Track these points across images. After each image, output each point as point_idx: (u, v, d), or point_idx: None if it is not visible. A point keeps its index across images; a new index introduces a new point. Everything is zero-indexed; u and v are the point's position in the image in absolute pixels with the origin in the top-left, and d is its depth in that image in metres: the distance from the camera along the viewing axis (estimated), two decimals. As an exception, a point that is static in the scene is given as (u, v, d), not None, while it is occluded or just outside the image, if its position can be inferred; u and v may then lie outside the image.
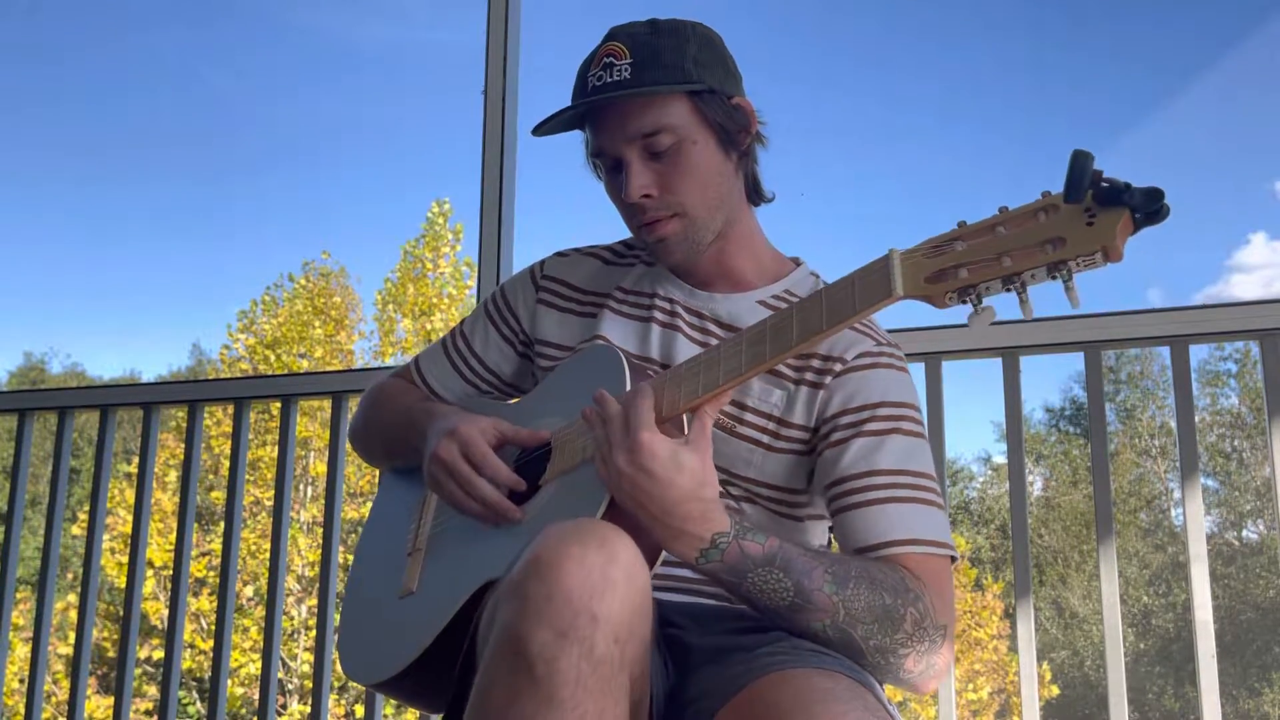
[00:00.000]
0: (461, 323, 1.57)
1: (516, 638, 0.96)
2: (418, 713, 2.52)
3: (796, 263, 1.46)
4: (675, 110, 1.31)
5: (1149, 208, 0.92)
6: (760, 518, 1.33)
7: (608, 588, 0.96)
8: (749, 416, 1.32)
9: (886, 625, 1.14)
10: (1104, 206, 0.93)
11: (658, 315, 1.41)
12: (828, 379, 1.31)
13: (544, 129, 1.36)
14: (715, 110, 1.32)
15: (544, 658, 0.94)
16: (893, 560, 1.21)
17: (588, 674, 0.94)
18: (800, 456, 1.33)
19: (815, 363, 1.32)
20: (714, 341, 1.36)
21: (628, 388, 1.22)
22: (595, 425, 1.15)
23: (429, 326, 15.42)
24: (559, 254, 1.54)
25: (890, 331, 1.43)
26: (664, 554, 1.15)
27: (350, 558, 1.58)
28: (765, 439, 1.32)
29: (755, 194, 1.42)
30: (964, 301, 1.01)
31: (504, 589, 1.01)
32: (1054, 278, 0.97)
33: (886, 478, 1.25)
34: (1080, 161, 0.94)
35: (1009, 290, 1.00)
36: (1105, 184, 0.93)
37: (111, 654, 14.36)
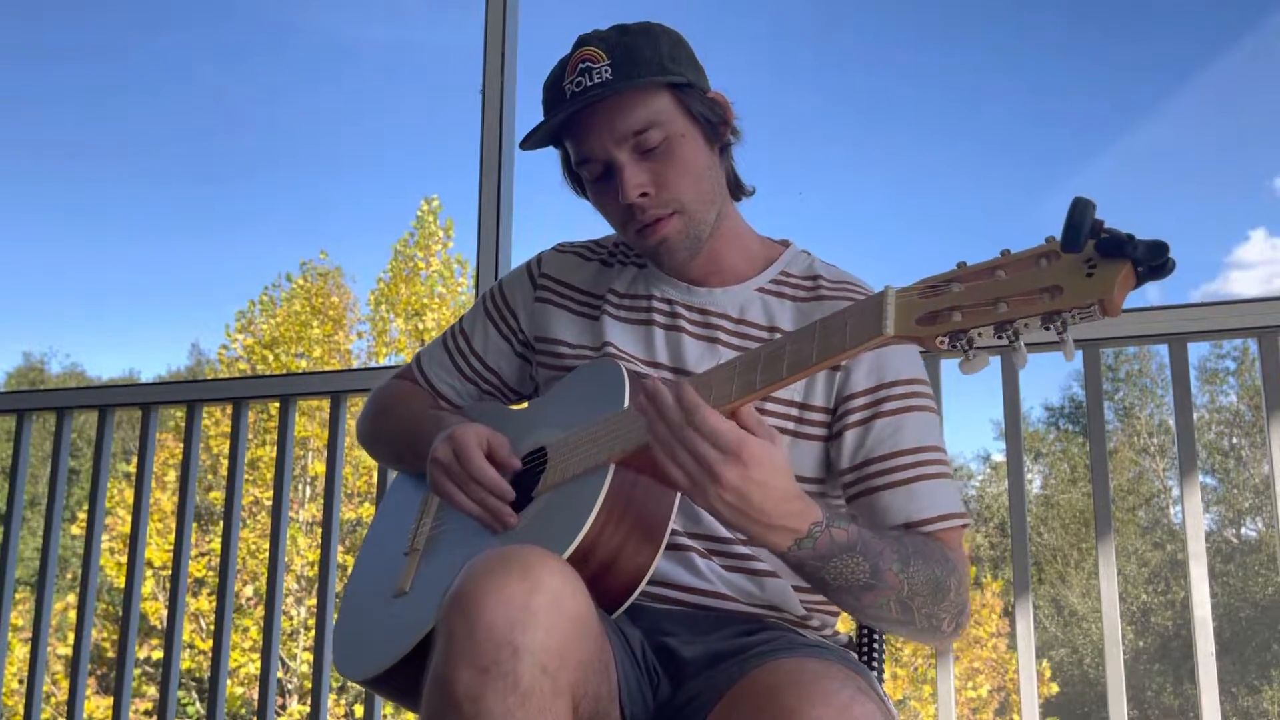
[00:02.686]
0: (461, 319, 1.57)
1: (442, 679, 0.97)
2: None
3: (785, 244, 1.46)
4: (661, 105, 1.31)
5: (1152, 261, 0.89)
6: None
7: (529, 618, 0.96)
8: (770, 405, 1.32)
9: (938, 595, 1.20)
10: (1105, 258, 0.90)
11: (658, 318, 1.40)
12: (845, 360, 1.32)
13: (530, 143, 1.36)
14: (697, 103, 1.33)
15: (469, 698, 0.95)
16: (930, 536, 1.26)
17: (515, 707, 0.94)
18: (823, 443, 1.33)
19: None
20: (720, 337, 1.37)
21: (626, 401, 1.22)
22: (676, 442, 1.07)
23: (421, 326, 15.40)
24: (557, 249, 1.54)
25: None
26: (654, 566, 1.15)
27: (349, 557, 1.59)
28: (790, 425, 1.32)
29: (737, 188, 1.42)
30: (954, 346, 0.98)
31: (436, 625, 1.01)
32: (1048, 328, 0.93)
33: (910, 457, 1.29)
34: (1080, 209, 0.90)
35: (1000, 337, 0.95)
36: (1106, 234, 0.90)
37: (111, 654, 14.35)
